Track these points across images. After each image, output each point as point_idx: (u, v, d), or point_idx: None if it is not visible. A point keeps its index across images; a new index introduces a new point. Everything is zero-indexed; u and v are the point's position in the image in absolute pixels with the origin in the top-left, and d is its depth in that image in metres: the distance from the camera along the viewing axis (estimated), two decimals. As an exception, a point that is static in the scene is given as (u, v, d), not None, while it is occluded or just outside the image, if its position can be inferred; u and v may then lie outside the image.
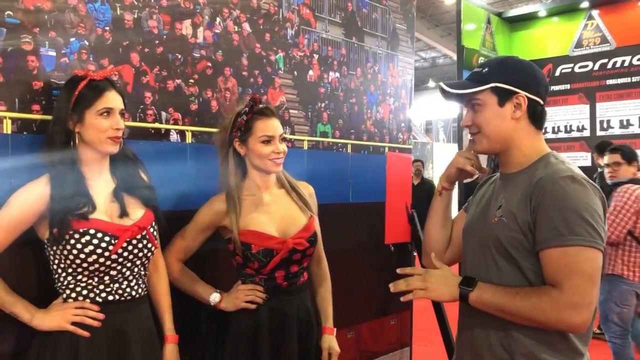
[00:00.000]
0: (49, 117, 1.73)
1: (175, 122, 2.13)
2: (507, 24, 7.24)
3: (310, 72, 2.70)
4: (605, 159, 4.18)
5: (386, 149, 3.15)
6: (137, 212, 1.74)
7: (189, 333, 1.95)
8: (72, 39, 1.83)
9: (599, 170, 5.21)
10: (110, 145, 1.66)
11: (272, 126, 1.97)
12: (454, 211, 1.91)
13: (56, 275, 1.67)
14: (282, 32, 2.55)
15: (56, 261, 1.65)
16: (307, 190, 2.15)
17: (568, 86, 6.89)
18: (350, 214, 2.90)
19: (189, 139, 2.18)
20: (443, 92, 1.62)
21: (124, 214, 1.70)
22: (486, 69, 1.58)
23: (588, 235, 1.40)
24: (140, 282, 1.76)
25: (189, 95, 2.18)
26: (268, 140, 1.96)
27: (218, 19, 2.27)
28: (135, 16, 2.00)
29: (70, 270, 1.64)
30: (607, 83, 6.64)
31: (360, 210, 2.95)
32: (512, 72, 1.56)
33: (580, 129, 6.85)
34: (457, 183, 1.85)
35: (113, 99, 1.66)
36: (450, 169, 1.77)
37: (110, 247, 1.63)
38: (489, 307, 1.49)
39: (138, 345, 1.70)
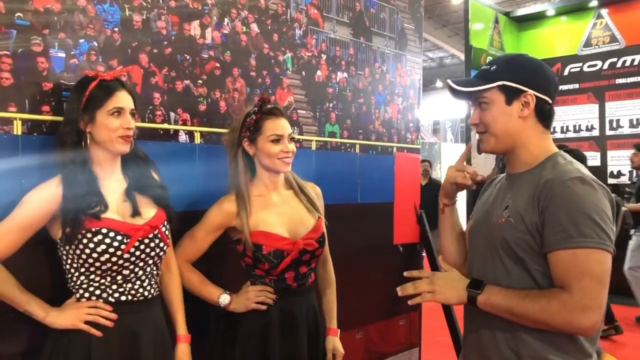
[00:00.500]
0: (58, 118, 1.73)
1: (184, 123, 2.13)
2: (515, 24, 7.21)
3: (318, 72, 2.70)
4: None
5: (394, 149, 3.14)
6: (149, 211, 1.74)
7: (198, 333, 1.95)
8: (82, 40, 1.84)
9: None
10: (121, 145, 1.67)
11: (281, 125, 1.98)
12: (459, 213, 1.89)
13: (69, 275, 1.68)
14: (290, 33, 2.55)
15: (69, 261, 1.66)
16: (315, 190, 2.15)
17: (577, 85, 6.86)
18: (358, 214, 2.90)
19: (197, 139, 2.18)
20: (451, 89, 1.61)
21: (136, 213, 1.70)
22: (494, 67, 1.57)
23: (597, 237, 1.38)
24: (152, 282, 1.77)
25: (198, 96, 2.18)
26: (277, 140, 1.96)
27: (226, 20, 2.27)
28: (144, 17, 2.00)
29: (82, 269, 1.64)
30: (617, 82, 6.60)
31: (368, 211, 2.95)
32: (520, 70, 1.54)
33: (590, 129, 6.81)
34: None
35: (123, 99, 1.67)
36: (445, 185, 1.74)
37: (123, 247, 1.63)
38: (497, 310, 1.48)
39: (150, 346, 1.70)
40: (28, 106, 1.72)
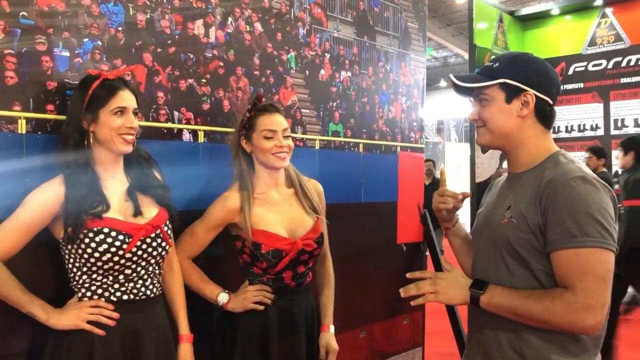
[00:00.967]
0: (63, 117, 1.74)
1: (188, 122, 2.14)
2: (519, 23, 7.19)
3: (322, 72, 2.70)
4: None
5: (398, 149, 3.14)
6: (151, 211, 1.75)
7: (199, 333, 1.95)
8: (86, 40, 1.84)
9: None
10: (122, 145, 1.67)
11: (274, 121, 1.97)
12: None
13: (71, 274, 1.68)
14: (294, 32, 2.55)
15: (71, 260, 1.66)
16: (316, 188, 2.14)
17: (581, 85, 6.83)
18: (362, 213, 2.90)
19: (201, 138, 2.18)
20: (453, 84, 1.62)
21: (137, 213, 1.71)
22: (497, 64, 1.57)
23: (600, 236, 1.38)
24: (155, 281, 1.77)
25: (201, 95, 2.18)
26: (270, 135, 1.95)
27: (230, 19, 2.28)
28: (148, 16, 2.01)
29: (85, 269, 1.65)
30: (622, 81, 6.56)
31: (372, 210, 2.95)
32: (522, 70, 1.54)
33: (594, 128, 6.78)
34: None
35: (126, 98, 1.67)
36: (437, 215, 1.81)
37: (124, 246, 1.63)
38: (500, 310, 1.47)
39: (152, 345, 1.70)
40: (32, 105, 1.72)
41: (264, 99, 2.02)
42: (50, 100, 1.76)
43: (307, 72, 2.62)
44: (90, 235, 1.60)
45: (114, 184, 1.71)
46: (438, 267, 3.41)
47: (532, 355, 1.47)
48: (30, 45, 1.72)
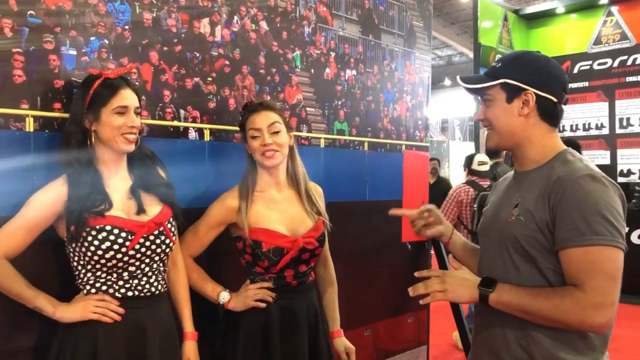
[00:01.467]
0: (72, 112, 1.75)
1: (194, 120, 2.15)
2: (524, 21, 7.19)
3: (327, 70, 2.70)
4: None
5: (403, 147, 3.14)
6: (154, 208, 1.76)
7: (202, 331, 1.96)
8: (93, 38, 1.85)
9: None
10: (124, 144, 1.67)
11: (258, 119, 1.95)
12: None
13: (76, 272, 1.70)
14: (299, 30, 2.56)
15: (76, 258, 1.67)
16: (316, 190, 2.14)
17: (586, 83, 6.82)
18: (366, 212, 2.90)
19: (207, 136, 2.19)
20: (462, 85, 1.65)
21: (140, 210, 1.71)
22: (500, 64, 1.58)
23: (609, 235, 1.38)
24: (159, 278, 1.78)
25: (207, 94, 2.19)
26: (256, 134, 1.95)
27: (236, 18, 2.28)
28: (154, 15, 2.02)
29: (89, 266, 1.66)
30: (627, 80, 6.55)
31: (377, 208, 2.94)
32: (523, 69, 1.55)
33: (599, 127, 6.77)
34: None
35: (128, 97, 1.67)
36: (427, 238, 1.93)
37: (127, 243, 1.64)
38: (509, 308, 1.47)
39: (157, 341, 1.71)
40: (40, 103, 1.73)
41: (252, 102, 2.04)
42: (58, 98, 1.77)
43: (312, 70, 2.62)
44: (93, 233, 1.61)
45: (117, 182, 1.72)
46: (443, 266, 3.41)
47: (540, 353, 1.47)
48: (37, 44, 1.73)
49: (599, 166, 1.52)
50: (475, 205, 4.58)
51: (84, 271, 1.68)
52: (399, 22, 3.10)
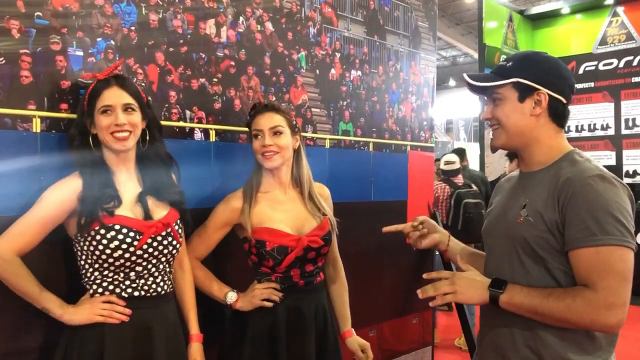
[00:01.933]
0: (76, 116, 1.76)
1: (200, 121, 2.15)
2: (529, 22, 7.16)
3: (332, 71, 2.71)
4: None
5: (408, 148, 3.14)
6: (162, 210, 1.76)
7: (209, 332, 1.96)
8: (99, 39, 1.86)
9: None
10: (114, 143, 1.66)
11: (261, 121, 1.96)
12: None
13: (83, 271, 1.70)
14: (305, 31, 2.56)
15: (83, 257, 1.68)
16: (322, 191, 2.14)
17: (592, 84, 6.79)
18: (371, 212, 2.90)
19: (212, 137, 2.20)
20: (467, 83, 1.62)
21: (148, 216, 1.72)
22: (510, 63, 1.57)
23: (620, 234, 1.38)
24: (165, 279, 1.78)
25: (213, 94, 2.20)
26: (257, 135, 1.96)
27: (241, 18, 2.29)
28: (160, 16, 2.02)
29: (96, 265, 1.66)
30: (633, 81, 6.52)
31: (382, 209, 2.95)
32: (535, 69, 1.54)
33: (605, 128, 6.74)
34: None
35: (111, 96, 1.66)
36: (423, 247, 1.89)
37: (135, 243, 1.65)
38: (520, 309, 1.47)
39: (163, 341, 1.72)
40: (47, 104, 1.74)
41: (264, 101, 2.04)
42: (64, 99, 1.78)
43: (317, 71, 2.62)
44: (102, 232, 1.62)
45: (127, 182, 1.73)
46: (447, 266, 3.41)
47: (549, 354, 1.47)
48: (44, 45, 1.74)
49: (605, 167, 1.52)
50: (451, 202, 5.06)
51: (91, 270, 1.68)
52: (404, 22, 3.10)
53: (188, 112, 2.12)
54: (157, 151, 1.79)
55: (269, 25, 2.40)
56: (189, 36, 2.11)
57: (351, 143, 2.81)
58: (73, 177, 1.65)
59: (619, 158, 6.63)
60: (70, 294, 1.70)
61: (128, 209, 1.69)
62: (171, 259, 1.80)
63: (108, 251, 1.62)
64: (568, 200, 1.42)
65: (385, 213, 2.99)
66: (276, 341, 1.94)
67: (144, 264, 1.70)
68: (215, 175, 2.20)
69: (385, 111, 2.99)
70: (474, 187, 5.31)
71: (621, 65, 6.62)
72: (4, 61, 1.65)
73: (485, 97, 1.64)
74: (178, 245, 1.79)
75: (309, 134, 2.59)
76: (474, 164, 6.90)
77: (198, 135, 2.15)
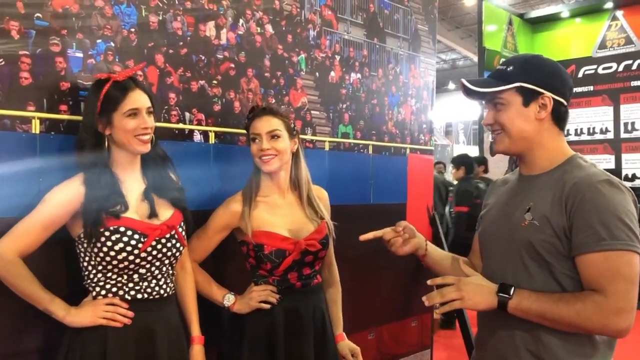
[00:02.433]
0: (76, 118, 1.76)
1: (199, 123, 2.15)
2: (529, 25, 7.18)
3: (332, 73, 2.71)
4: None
5: (407, 150, 3.14)
6: (166, 212, 1.76)
7: (208, 334, 1.96)
8: (99, 41, 1.86)
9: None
10: (139, 145, 1.68)
11: (259, 124, 1.95)
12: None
13: (86, 273, 1.70)
14: (304, 34, 2.56)
15: (87, 258, 1.67)
16: (320, 194, 2.13)
17: (591, 88, 6.80)
18: (371, 215, 2.90)
19: (212, 139, 2.19)
20: (465, 89, 1.59)
21: (153, 213, 1.72)
22: (511, 67, 1.55)
23: (628, 239, 1.38)
24: (168, 281, 1.78)
25: (212, 96, 2.20)
26: (255, 138, 1.96)
27: (241, 21, 2.29)
28: (160, 18, 2.02)
29: (100, 267, 1.66)
30: (632, 84, 6.53)
31: (381, 211, 2.94)
32: (537, 72, 1.53)
33: (604, 131, 6.75)
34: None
35: (138, 99, 1.67)
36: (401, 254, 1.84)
37: (140, 245, 1.64)
38: (529, 314, 1.45)
39: (165, 344, 1.71)
40: (46, 105, 1.74)
41: (262, 104, 2.03)
42: (64, 100, 1.77)
43: (317, 73, 2.62)
44: (107, 234, 1.62)
45: (132, 184, 1.73)
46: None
47: (550, 358, 1.46)
48: (44, 46, 1.73)
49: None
50: None
51: (94, 272, 1.67)
52: (404, 25, 3.11)
53: (187, 114, 2.11)
54: (156, 150, 1.79)
55: (269, 28, 2.40)
56: (188, 38, 2.11)
57: (351, 146, 2.81)
58: (77, 178, 1.64)
59: (618, 162, 6.64)
60: (72, 295, 1.69)
61: (133, 210, 1.69)
62: (174, 261, 1.79)
63: (112, 253, 1.62)
64: (576, 206, 1.42)
65: (384, 216, 2.98)
66: (274, 343, 1.94)
67: (148, 266, 1.69)
68: (215, 177, 2.20)
69: (385, 114, 2.99)
70: None
71: (620, 69, 6.63)
72: (3, 62, 1.65)
73: (484, 102, 1.63)
74: (182, 248, 1.79)
75: (309, 137, 2.58)
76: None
77: (197, 137, 2.15)
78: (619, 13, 6.64)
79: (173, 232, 1.74)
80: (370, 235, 1.83)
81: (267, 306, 1.94)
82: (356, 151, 2.84)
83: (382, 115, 2.98)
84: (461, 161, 6.05)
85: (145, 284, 1.71)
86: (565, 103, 1.55)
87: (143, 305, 1.69)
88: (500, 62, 1.68)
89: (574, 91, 1.59)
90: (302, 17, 2.55)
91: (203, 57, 2.16)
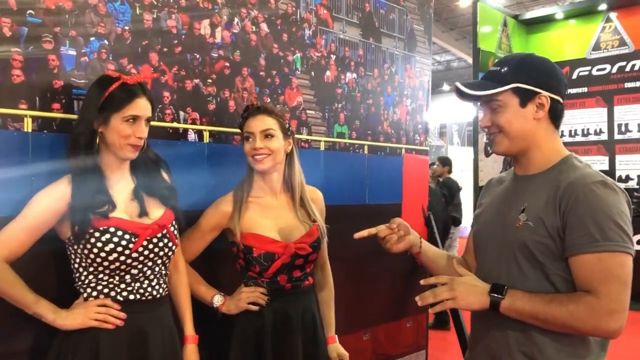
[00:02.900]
0: (69, 116, 1.74)
1: (193, 122, 2.13)
2: (523, 27, 7.18)
3: (328, 73, 2.70)
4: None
5: (403, 151, 3.13)
6: (157, 211, 1.74)
7: (201, 334, 1.94)
8: (92, 39, 1.84)
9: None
10: (129, 152, 1.65)
11: (253, 123, 1.93)
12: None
13: (77, 274, 1.67)
14: (300, 33, 2.55)
15: (77, 260, 1.65)
16: (314, 195, 2.12)
17: (585, 89, 6.81)
18: (366, 215, 2.88)
19: (206, 138, 2.18)
20: (459, 92, 1.57)
21: (143, 213, 1.69)
22: (505, 69, 1.53)
23: (621, 241, 1.38)
24: (161, 281, 1.76)
25: (207, 95, 2.18)
26: (248, 138, 1.94)
27: (236, 19, 2.27)
28: (154, 16, 2.01)
29: (91, 269, 1.64)
30: (626, 86, 6.55)
31: (376, 212, 2.93)
32: (533, 72, 1.52)
33: (598, 133, 6.77)
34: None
35: (142, 107, 1.64)
36: (395, 251, 1.80)
37: (131, 246, 1.62)
38: (521, 315, 1.45)
39: (158, 345, 1.69)
40: (38, 103, 1.72)
41: (257, 103, 2.01)
42: (57, 99, 1.76)
43: (312, 73, 2.61)
44: (97, 235, 1.59)
45: (120, 184, 1.70)
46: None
47: (543, 359, 1.46)
48: (37, 44, 1.71)
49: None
50: None
51: (85, 273, 1.65)
52: (400, 25, 3.10)
53: (182, 113, 2.10)
54: (147, 153, 1.76)
55: (264, 27, 2.39)
56: (183, 37, 2.09)
57: (346, 146, 2.79)
58: (63, 181, 1.61)
59: (612, 163, 6.66)
60: (62, 298, 1.67)
61: (122, 210, 1.67)
62: (167, 261, 1.77)
63: (103, 254, 1.60)
64: (570, 206, 1.41)
65: (379, 216, 2.95)
66: (262, 344, 1.93)
67: (140, 266, 1.67)
68: (209, 177, 2.18)
69: (380, 114, 2.99)
70: None
71: (614, 70, 6.65)
72: (-5, 60, 1.63)
73: (479, 104, 1.61)
74: (174, 247, 1.77)
75: (304, 136, 2.57)
76: (468, 169, 7.04)
77: (192, 136, 2.13)
78: (613, 15, 6.66)
79: (165, 232, 1.72)
80: (364, 233, 1.79)
81: (256, 308, 1.93)
82: (352, 151, 2.83)
83: (377, 115, 2.97)
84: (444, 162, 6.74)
85: (138, 284, 1.69)
86: (561, 101, 1.55)
87: (135, 306, 1.67)
88: (494, 63, 1.66)
89: (568, 92, 1.59)
90: (298, 16, 2.54)
91: (198, 56, 2.14)
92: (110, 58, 1.88)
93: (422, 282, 1.56)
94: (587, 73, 6.83)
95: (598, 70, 6.77)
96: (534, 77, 1.51)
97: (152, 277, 1.72)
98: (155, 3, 2.01)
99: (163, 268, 1.77)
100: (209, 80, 2.18)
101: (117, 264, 1.62)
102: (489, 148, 5.59)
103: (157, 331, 1.70)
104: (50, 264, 1.74)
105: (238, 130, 2.07)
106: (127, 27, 1.93)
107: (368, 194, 2.91)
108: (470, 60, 6.72)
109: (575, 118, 6.87)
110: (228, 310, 1.95)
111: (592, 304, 1.37)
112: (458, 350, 3.58)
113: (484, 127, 1.60)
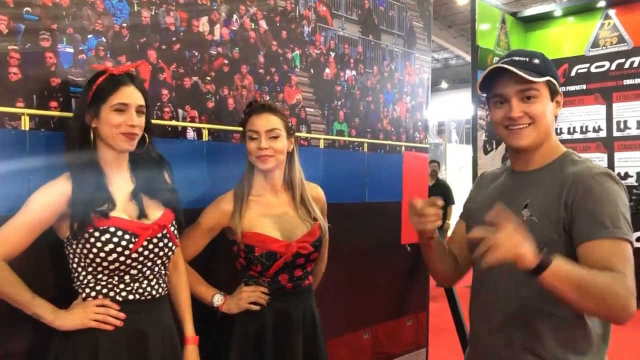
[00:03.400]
0: (66, 114, 1.72)
1: (192, 120, 2.12)
2: (522, 24, 7.17)
3: (327, 70, 2.68)
4: None
5: (403, 148, 3.12)
6: (156, 212, 1.72)
7: (201, 334, 1.93)
8: (90, 36, 1.82)
9: None
10: (123, 142, 1.62)
11: (258, 122, 1.91)
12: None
13: (75, 274, 1.65)
14: (299, 30, 2.54)
15: (76, 259, 1.64)
16: (315, 193, 2.10)
17: (584, 86, 6.80)
18: (366, 213, 2.88)
19: (205, 136, 2.16)
20: (484, 81, 1.50)
21: (142, 214, 1.68)
22: (536, 60, 1.51)
23: (627, 230, 1.40)
24: (160, 281, 1.74)
25: (206, 93, 2.16)
26: (254, 137, 1.91)
27: (235, 16, 2.26)
28: (153, 13, 1.99)
29: (90, 269, 1.62)
30: (624, 83, 6.54)
31: (376, 210, 2.93)
32: (554, 70, 1.55)
33: (597, 130, 6.76)
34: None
35: (129, 95, 1.62)
36: (420, 233, 1.63)
37: (131, 246, 1.61)
38: (565, 280, 1.31)
39: (158, 346, 1.68)
40: (36, 102, 1.70)
41: (260, 100, 1.99)
42: (54, 97, 1.74)
43: (311, 70, 2.60)
44: (96, 234, 1.58)
45: (120, 183, 1.69)
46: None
47: (547, 355, 1.45)
48: (34, 41, 1.70)
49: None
50: None
51: (84, 273, 1.64)
52: (399, 22, 3.09)
53: (180, 111, 2.08)
54: (149, 152, 1.75)
55: (263, 24, 2.37)
56: (181, 34, 2.08)
57: (345, 143, 2.78)
58: (62, 178, 1.59)
59: (611, 160, 6.65)
60: (60, 298, 1.65)
61: (122, 210, 1.65)
62: (167, 261, 1.76)
63: (102, 254, 1.58)
64: (578, 197, 1.42)
65: (379, 214, 2.97)
66: (263, 344, 1.92)
67: (139, 267, 1.66)
68: (208, 175, 2.16)
69: (380, 111, 2.97)
70: None
71: (613, 67, 6.63)
72: (-9, 57, 1.61)
73: (509, 95, 1.51)
74: (174, 247, 1.75)
75: (303, 134, 2.56)
76: (467, 167, 7.02)
77: (190, 134, 2.12)
78: (612, 12, 6.65)
79: (165, 232, 1.70)
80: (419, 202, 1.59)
81: (257, 307, 1.92)
82: (351, 149, 2.81)
83: (377, 113, 2.95)
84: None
85: (137, 284, 1.67)
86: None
87: (135, 307, 1.65)
88: (510, 53, 1.57)
89: (564, 90, 1.62)
90: (297, 13, 2.52)
91: (196, 53, 2.12)
92: (108, 55, 1.86)
93: (472, 234, 1.35)
94: (585, 70, 6.81)
95: (597, 67, 6.75)
96: (556, 75, 1.54)
97: (151, 277, 1.70)
98: (153, 0, 1.99)
99: (163, 268, 1.75)
100: (208, 78, 2.17)
101: (117, 264, 1.60)
102: (487, 146, 5.58)
103: (157, 331, 1.69)
104: (48, 264, 1.72)
105: (237, 128, 2.05)
106: (125, 24, 1.91)
107: (368, 192, 2.90)
108: (468, 57, 6.72)
109: (574, 115, 6.85)
110: (228, 310, 1.94)
111: (624, 282, 1.32)
112: (459, 348, 3.58)
113: (516, 117, 1.50)
